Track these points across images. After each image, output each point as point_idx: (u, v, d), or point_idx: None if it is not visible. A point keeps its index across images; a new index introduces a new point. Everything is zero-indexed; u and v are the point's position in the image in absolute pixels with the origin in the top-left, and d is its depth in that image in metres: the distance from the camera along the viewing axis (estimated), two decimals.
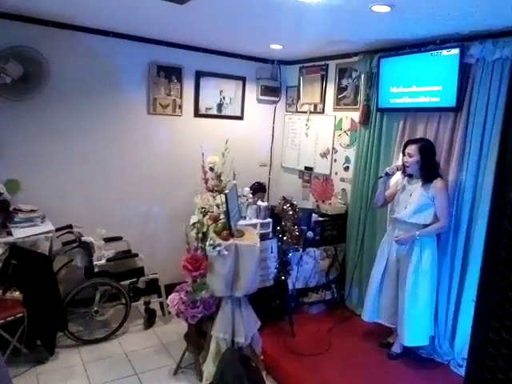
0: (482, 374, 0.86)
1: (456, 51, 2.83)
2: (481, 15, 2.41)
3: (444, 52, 2.91)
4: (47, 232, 3.04)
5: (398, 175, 3.04)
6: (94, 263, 3.27)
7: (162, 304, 3.70)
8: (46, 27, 3.23)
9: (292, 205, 3.36)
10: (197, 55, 4.01)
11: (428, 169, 2.81)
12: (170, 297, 2.92)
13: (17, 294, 2.84)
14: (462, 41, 2.86)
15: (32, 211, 3.12)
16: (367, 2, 2.29)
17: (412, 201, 2.86)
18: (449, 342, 3.07)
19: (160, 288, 3.67)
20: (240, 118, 4.45)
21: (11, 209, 3.09)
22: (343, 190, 4.02)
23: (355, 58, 3.65)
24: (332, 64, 4.06)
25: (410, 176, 2.94)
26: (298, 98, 4.49)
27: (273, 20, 2.84)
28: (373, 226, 3.58)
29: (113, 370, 2.97)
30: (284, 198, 3.41)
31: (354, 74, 3.83)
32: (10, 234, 2.95)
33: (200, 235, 3.01)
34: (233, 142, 3.26)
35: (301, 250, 3.46)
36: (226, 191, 2.79)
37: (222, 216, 2.91)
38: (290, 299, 3.45)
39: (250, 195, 3.32)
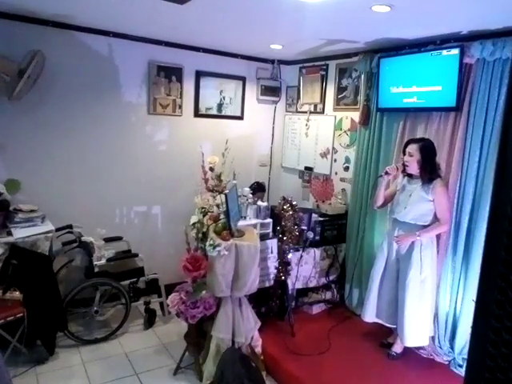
0: (482, 374, 0.86)
1: (456, 51, 2.83)
2: (481, 15, 2.41)
3: (444, 52, 2.91)
4: (47, 232, 3.03)
5: (400, 176, 3.03)
6: (94, 263, 3.27)
7: (161, 304, 3.70)
8: (46, 27, 3.23)
9: (292, 205, 3.36)
10: (197, 55, 4.01)
11: (428, 169, 2.81)
12: (169, 297, 2.92)
13: (17, 293, 2.84)
14: (461, 41, 2.86)
15: (32, 211, 3.11)
16: (367, 1, 2.29)
17: (412, 201, 2.86)
18: (449, 342, 3.06)
19: (160, 288, 3.67)
20: (240, 118, 4.45)
21: (11, 209, 3.09)
22: (343, 190, 4.02)
23: (355, 58, 3.65)
24: (332, 64, 4.06)
25: (410, 176, 2.94)
26: (298, 97, 4.49)
27: (273, 20, 2.84)
28: (373, 226, 3.58)
29: (113, 370, 2.97)
30: (284, 198, 3.41)
31: (354, 74, 3.83)
32: (10, 233, 2.95)
33: (200, 235, 3.01)
34: (233, 142, 3.27)
35: (301, 250, 3.47)
36: (226, 191, 2.80)
37: (222, 216, 2.91)
38: (290, 299, 3.46)
39: (250, 195, 3.32)
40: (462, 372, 2.86)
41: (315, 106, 4.31)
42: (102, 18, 3.14)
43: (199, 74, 4.08)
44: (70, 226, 3.38)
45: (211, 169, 3.09)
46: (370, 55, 3.46)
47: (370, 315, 3.11)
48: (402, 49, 3.26)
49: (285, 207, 3.35)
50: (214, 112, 4.26)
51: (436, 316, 3.06)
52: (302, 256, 3.48)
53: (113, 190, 3.80)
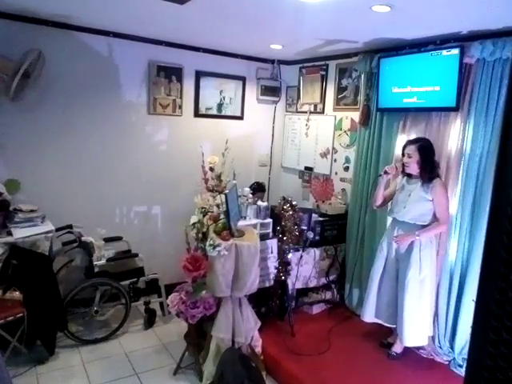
0: (481, 374, 0.86)
1: (456, 51, 2.83)
2: (481, 15, 2.41)
3: (444, 52, 2.91)
4: (47, 232, 3.03)
5: (400, 176, 3.03)
6: (94, 263, 3.27)
7: (161, 304, 3.70)
8: (45, 27, 3.23)
9: (292, 205, 3.36)
10: (197, 55, 4.01)
11: (427, 169, 2.81)
12: (169, 297, 2.92)
13: (17, 293, 2.84)
14: (461, 41, 2.86)
15: (32, 211, 3.11)
16: (367, 2, 2.29)
17: (411, 201, 2.86)
18: (449, 342, 3.06)
19: (160, 288, 3.67)
20: (240, 117, 4.45)
21: (11, 209, 3.09)
22: (343, 190, 4.02)
23: (355, 58, 3.65)
24: (332, 64, 4.06)
25: (409, 176, 2.94)
26: (298, 97, 4.49)
27: (273, 20, 2.84)
28: (373, 226, 3.57)
29: (113, 369, 2.97)
30: (284, 198, 3.41)
31: (354, 74, 3.83)
32: (10, 233, 2.95)
33: (200, 235, 3.01)
34: (233, 142, 3.27)
35: (301, 250, 3.46)
36: (226, 191, 2.80)
37: (222, 216, 2.91)
38: (290, 299, 3.46)
39: (250, 195, 3.32)
40: (462, 372, 2.86)
41: (315, 106, 4.31)
42: (102, 17, 3.14)
43: (199, 74, 4.08)
44: (70, 226, 3.38)
45: (211, 169, 3.09)
46: (370, 55, 3.46)
47: (369, 315, 3.11)
48: (402, 49, 3.26)
49: (285, 207, 3.35)
50: (214, 112, 4.26)
51: (436, 316, 3.06)
52: (301, 256, 3.47)
53: (113, 189, 3.80)
